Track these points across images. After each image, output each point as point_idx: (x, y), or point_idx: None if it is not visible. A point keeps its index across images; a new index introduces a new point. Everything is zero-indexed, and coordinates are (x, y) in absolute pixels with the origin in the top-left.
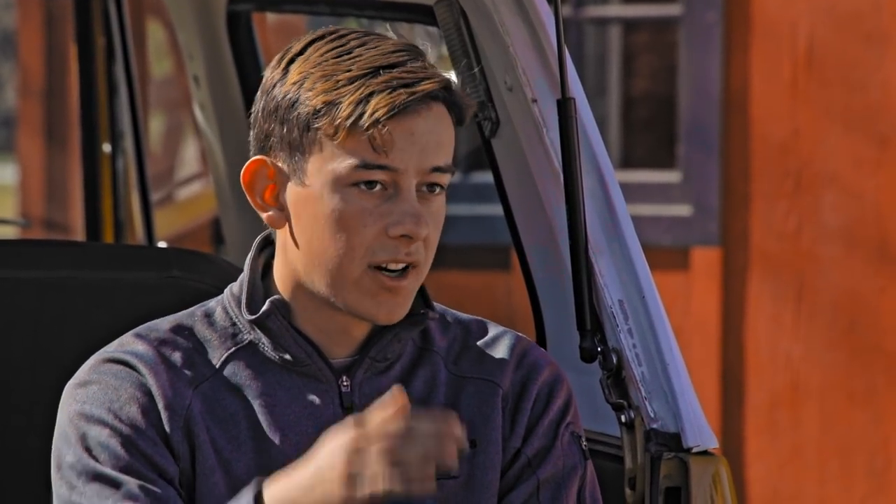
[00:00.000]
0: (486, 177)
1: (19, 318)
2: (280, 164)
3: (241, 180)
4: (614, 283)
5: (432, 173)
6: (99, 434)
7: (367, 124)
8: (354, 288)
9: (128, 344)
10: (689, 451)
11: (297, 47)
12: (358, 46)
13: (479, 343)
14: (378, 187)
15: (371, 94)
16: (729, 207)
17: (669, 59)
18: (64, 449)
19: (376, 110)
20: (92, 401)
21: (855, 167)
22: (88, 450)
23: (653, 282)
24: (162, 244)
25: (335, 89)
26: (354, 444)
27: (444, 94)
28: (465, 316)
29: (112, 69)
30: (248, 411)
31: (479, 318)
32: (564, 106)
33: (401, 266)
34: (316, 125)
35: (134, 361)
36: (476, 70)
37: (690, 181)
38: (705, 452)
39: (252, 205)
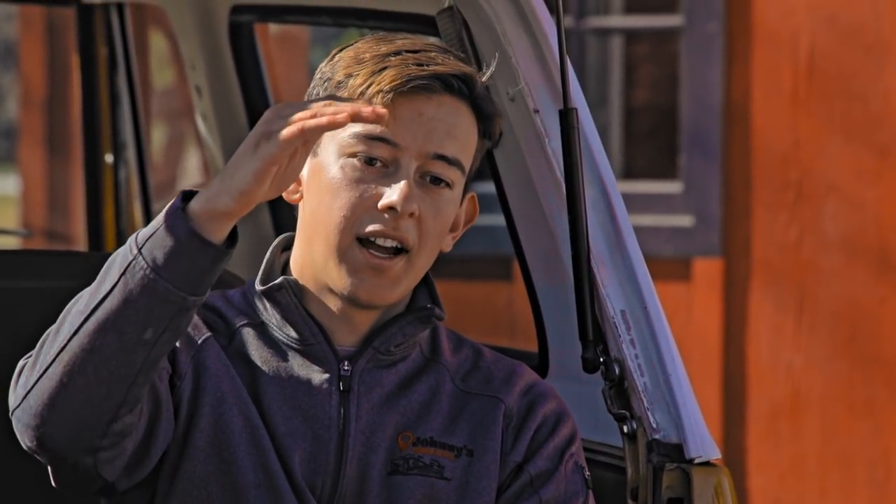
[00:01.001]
0: (489, 187)
1: (21, 329)
2: None
3: None
4: (616, 294)
5: (435, 160)
6: None
7: (373, 93)
8: (342, 260)
9: None
10: (691, 461)
11: (352, 42)
12: (400, 40)
13: (490, 367)
14: (378, 164)
15: (385, 68)
16: (730, 218)
17: (671, 70)
18: None
19: (383, 80)
20: None
21: (856, 177)
22: None
23: (655, 292)
24: None
25: (358, 64)
26: (273, 109)
27: (465, 90)
28: (480, 344)
29: (114, 79)
30: (251, 378)
31: (495, 350)
32: (566, 116)
33: (389, 244)
34: (339, 94)
35: None
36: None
37: (692, 191)
38: (707, 463)
39: None
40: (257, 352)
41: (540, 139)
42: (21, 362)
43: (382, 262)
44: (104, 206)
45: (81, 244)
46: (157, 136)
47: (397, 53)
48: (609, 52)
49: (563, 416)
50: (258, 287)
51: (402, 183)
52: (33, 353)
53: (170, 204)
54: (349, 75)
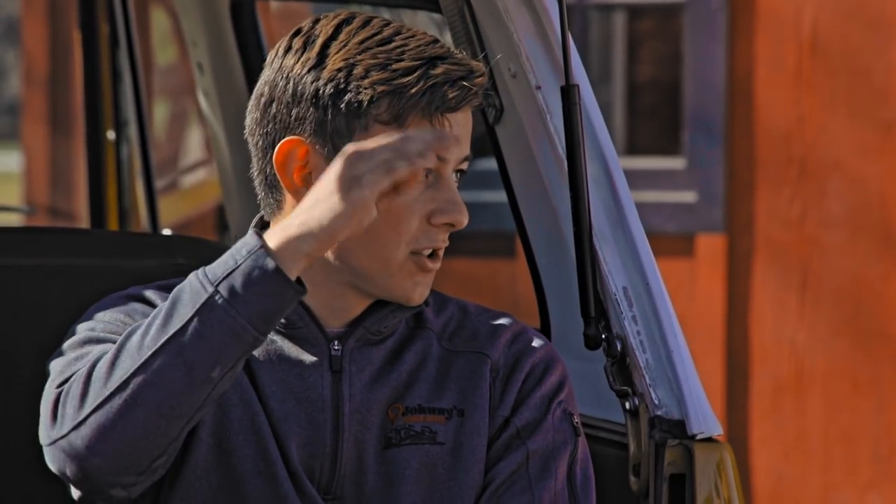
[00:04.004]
0: (490, 164)
1: (24, 306)
2: (314, 146)
3: (275, 160)
4: (618, 270)
5: (463, 162)
6: (102, 323)
7: (432, 114)
8: (398, 272)
9: (137, 288)
10: (693, 437)
11: (324, 30)
12: (394, 35)
13: (476, 323)
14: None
15: (435, 86)
16: (733, 194)
17: (674, 46)
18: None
19: (444, 101)
20: (101, 309)
21: (859, 153)
22: (92, 330)
23: (657, 268)
24: (166, 231)
25: (394, 79)
26: (353, 151)
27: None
28: (466, 301)
29: (116, 56)
30: (245, 362)
31: (481, 305)
32: (568, 92)
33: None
34: (373, 112)
35: (147, 295)
36: (480, 57)
37: (695, 168)
38: (709, 439)
39: (283, 184)
40: None
41: (542, 116)
42: (53, 391)
43: (434, 265)
44: (106, 183)
45: (84, 221)
46: (160, 113)
47: (430, 63)
48: (612, 28)
49: (552, 364)
50: None
51: (455, 198)
52: (72, 383)
53: (243, 242)
54: (389, 93)
